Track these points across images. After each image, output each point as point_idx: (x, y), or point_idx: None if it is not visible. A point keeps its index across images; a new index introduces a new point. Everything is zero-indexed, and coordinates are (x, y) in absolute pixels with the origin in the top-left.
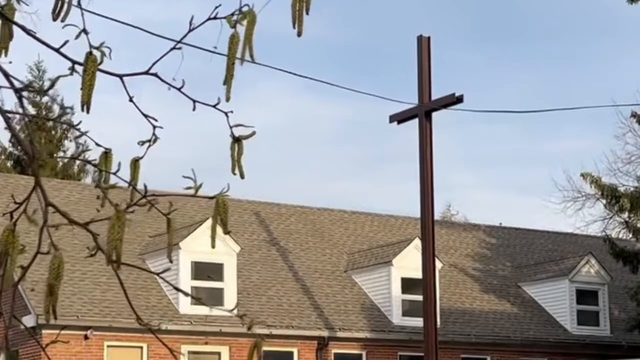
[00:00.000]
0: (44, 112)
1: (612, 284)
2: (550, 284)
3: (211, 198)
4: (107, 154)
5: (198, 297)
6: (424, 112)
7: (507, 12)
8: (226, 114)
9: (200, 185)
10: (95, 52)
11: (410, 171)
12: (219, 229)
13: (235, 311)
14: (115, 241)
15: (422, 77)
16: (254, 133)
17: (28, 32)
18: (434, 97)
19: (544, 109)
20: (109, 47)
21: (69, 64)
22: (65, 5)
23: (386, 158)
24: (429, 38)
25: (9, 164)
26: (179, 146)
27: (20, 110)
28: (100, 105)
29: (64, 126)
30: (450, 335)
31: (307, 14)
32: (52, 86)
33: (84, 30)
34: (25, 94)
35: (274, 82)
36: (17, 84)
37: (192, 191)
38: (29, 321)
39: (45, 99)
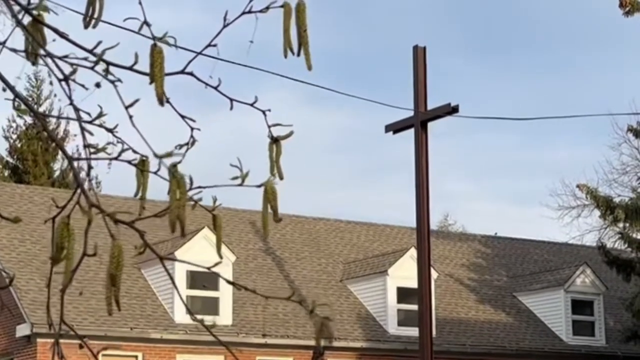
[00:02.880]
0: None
1: (607, 294)
2: (545, 294)
3: (259, 186)
4: (144, 162)
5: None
6: (419, 121)
7: (503, 23)
8: (264, 112)
9: (247, 174)
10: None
11: (406, 181)
12: (270, 218)
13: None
14: (178, 208)
15: (417, 87)
16: (292, 133)
17: (61, 34)
18: (429, 107)
19: (539, 116)
20: (173, 37)
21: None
22: (97, 11)
23: (382, 168)
24: (424, 48)
25: (5, 173)
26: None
27: (69, 100)
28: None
29: (60, 135)
30: (446, 345)
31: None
32: (102, 55)
33: (146, 22)
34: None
35: (270, 93)
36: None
37: (238, 181)
38: (24, 330)
39: (42, 108)
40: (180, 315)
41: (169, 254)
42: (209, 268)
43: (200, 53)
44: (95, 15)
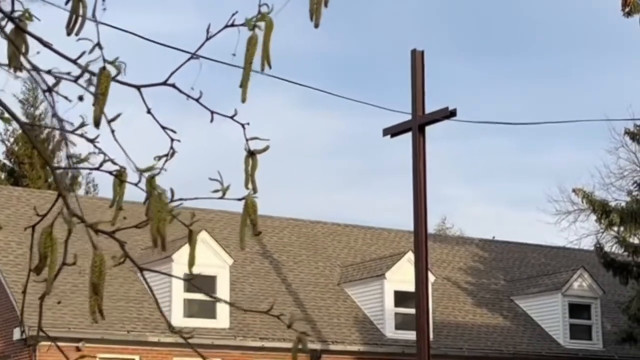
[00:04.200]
0: (37, 125)
1: (604, 298)
2: (543, 298)
3: (240, 200)
4: (121, 173)
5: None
6: (417, 125)
7: (501, 27)
8: (243, 125)
9: (228, 187)
10: (109, 66)
11: (404, 184)
12: (248, 231)
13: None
14: (159, 223)
15: (415, 90)
16: (268, 147)
17: (45, 44)
18: (427, 110)
19: (537, 121)
20: (123, 62)
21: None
22: (80, 19)
23: (380, 171)
24: (422, 52)
25: (2, 176)
26: (181, 158)
27: (52, 110)
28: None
29: (58, 137)
30: (443, 349)
31: (326, 6)
32: (82, 74)
33: (99, 45)
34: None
35: (268, 96)
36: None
37: (219, 194)
38: (20, 333)
39: (38, 111)
40: (178, 319)
41: (166, 257)
42: (187, 280)
43: (182, 65)
44: (78, 24)
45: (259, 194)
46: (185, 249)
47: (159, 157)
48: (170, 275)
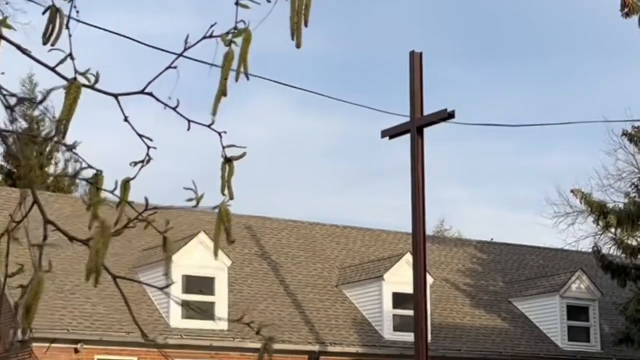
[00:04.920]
0: (35, 126)
1: (603, 300)
2: (541, 300)
3: (214, 209)
4: (97, 176)
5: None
6: (416, 127)
7: (500, 30)
8: (220, 134)
9: (202, 197)
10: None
11: (402, 186)
12: (223, 239)
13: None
14: (98, 257)
15: (414, 92)
16: (244, 154)
17: (23, 50)
18: (426, 112)
19: (535, 123)
20: (94, 74)
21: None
22: (57, 30)
23: (379, 173)
24: (421, 54)
25: (0, 177)
26: (179, 159)
27: (11, 126)
28: (103, 119)
29: (56, 139)
30: (442, 351)
31: (306, 26)
32: (44, 99)
33: (70, 56)
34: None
35: (266, 98)
36: (10, 100)
37: (193, 203)
38: (19, 334)
39: (37, 112)
40: (176, 320)
41: (164, 260)
42: (162, 289)
43: (160, 75)
44: (55, 33)
45: (257, 196)
46: (184, 251)
47: (135, 164)
48: (146, 284)
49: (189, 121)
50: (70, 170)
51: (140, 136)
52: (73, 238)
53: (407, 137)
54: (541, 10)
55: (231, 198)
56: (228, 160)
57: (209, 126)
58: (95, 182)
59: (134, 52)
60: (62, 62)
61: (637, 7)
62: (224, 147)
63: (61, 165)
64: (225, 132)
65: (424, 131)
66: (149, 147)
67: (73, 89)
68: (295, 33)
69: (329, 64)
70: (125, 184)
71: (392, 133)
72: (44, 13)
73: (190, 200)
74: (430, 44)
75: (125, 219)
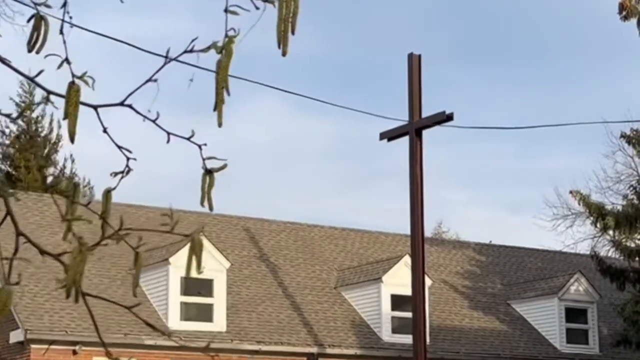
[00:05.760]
0: (33, 127)
1: (601, 302)
2: (539, 302)
3: (186, 236)
4: (75, 187)
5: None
6: (414, 129)
7: (498, 31)
8: (200, 146)
9: (176, 223)
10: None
11: (400, 188)
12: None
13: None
14: (76, 274)
15: (412, 94)
16: (225, 166)
17: (3, 60)
18: (424, 114)
19: (533, 125)
20: (91, 77)
21: (65, 76)
22: (41, 37)
23: (377, 175)
24: (419, 56)
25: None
26: (178, 161)
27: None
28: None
29: (53, 139)
30: (440, 353)
31: (293, 34)
32: (21, 114)
33: (67, 60)
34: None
35: (264, 99)
36: None
37: (168, 228)
38: (17, 336)
39: (35, 114)
40: (175, 322)
41: (163, 260)
42: (113, 302)
43: (140, 87)
44: (40, 40)
45: (255, 198)
46: (183, 252)
47: (115, 174)
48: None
49: (168, 134)
50: (67, 171)
51: (120, 148)
52: (44, 252)
53: (405, 139)
54: (540, 12)
55: (210, 209)
56: (208, 172)
57: (188, 138)
58: (74, 192)
59: (134, 52)
60: (59, 66)
61: (635, 9)
62: (204, 159)
63: (59, 168)
64: (205, 144)
65: (422, 133)
66: (128, 159)
67: (72, 93)
68: (282, 41)
69: (328, 65)
70: (107, 194)
71: (390, 135)
72: (28, 21)
73: (164, 224)
74: (429, 45)
75: (108, 230)
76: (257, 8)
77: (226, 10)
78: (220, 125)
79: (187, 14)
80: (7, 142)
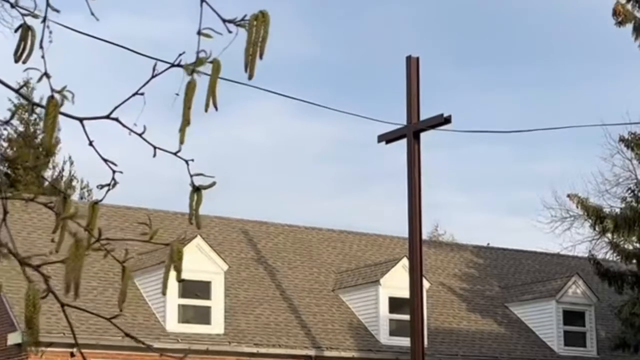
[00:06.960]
0: (31, 129)
1: (599, 305)
2: (537, 305)
3: (166, 245)
4: (65, 199)
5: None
6: (412, 132)
7: (496, 35)
8: (187, 162)
9: (156, 231)
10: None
11: (398, 191)
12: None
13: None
14: (74, 272)
15: (410, 97)
16: (214, 183)
17: None
18: (422, 117)
19: (531, 128)
20: (70, 92)
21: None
22: (28, 48)
23: (374, 177)
24: (417, 59)
25: None
26: (178, 161)
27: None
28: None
29: (54, 140)
30: (438, 355)
31: (261, 59)
32: (11, 118)
33: (46, 74)
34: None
35: (263, 102)
36: None
37: (147, 237)
38: (15, 338)
39: (34, 115)
40: (172, 324)
41: (161, 263)
42: (95, 313)
43: (126, 100)
44: (27, 50)
45: (253, 199)
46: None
47: (102, 186)
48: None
49: (155, 148)
50: (66, 173)
51: (105, 160)
52: (24, 263)
53: (403, 142)
54: (538, 16)
55: (198, 227)
56: (196, 189)
57: (175, 154)
58: (64, 204)
59: (134, 54)
60: (39, 80)
61: (630, 14)
62: (191, 176)
63: (58, 169)
64: (192, 160)
65: (420, 136)
66: (114, 172)
67: (51, 107)
68: (249, 64)
69: (327, 67)
70: (93, 206)
71: (388, 138)
72: (15, 31)
73: (144, 234)
74: (427, 48)
75: (96, 238)
76: (230, 32)
77: (199, 33)
78: (181, 142)
79: (183, 17)
80: (5, 144)
